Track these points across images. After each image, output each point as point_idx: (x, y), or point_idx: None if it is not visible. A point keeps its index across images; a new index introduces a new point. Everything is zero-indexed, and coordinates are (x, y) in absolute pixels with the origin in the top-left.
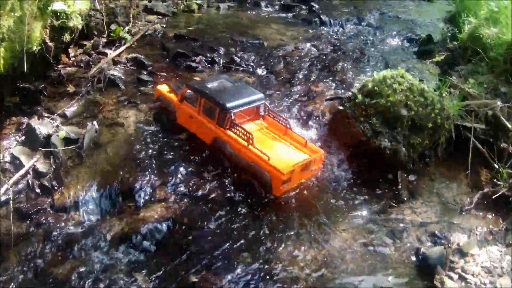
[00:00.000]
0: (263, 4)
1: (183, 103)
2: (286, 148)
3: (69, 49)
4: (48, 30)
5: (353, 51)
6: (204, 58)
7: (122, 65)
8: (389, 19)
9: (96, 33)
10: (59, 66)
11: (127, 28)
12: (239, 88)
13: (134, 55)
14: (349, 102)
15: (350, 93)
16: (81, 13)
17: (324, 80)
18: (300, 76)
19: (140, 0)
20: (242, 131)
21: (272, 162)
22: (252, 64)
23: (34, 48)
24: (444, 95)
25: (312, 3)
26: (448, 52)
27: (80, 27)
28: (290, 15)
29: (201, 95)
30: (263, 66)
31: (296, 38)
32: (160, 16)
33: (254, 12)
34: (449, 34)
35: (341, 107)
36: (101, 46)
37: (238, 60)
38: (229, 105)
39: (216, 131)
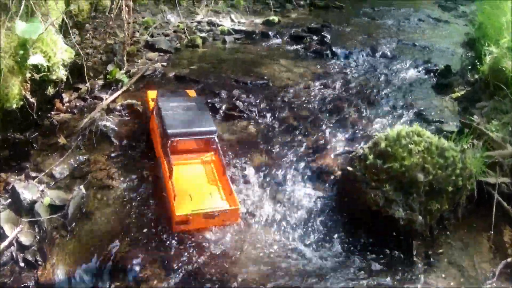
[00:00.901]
0: (271, 34)
1: (153, 114)
2: (207, 191)
3: (63, 94)
4: (29, 85)
5: (367, 88)
6: None
7: (117, 113)
8: (405, 47)
9: (92, 75)
10: (52, 112)
11: (124, 69)
12: (196, 115)
13: (130, 101)
14: (359, 163)
15: (360, 150)
16: (65, 63)
17: (335, 128)
18: (308, 123)
19: (141, 35)
20: (167, 161)
21: (177, 201)
22: (256, 110)
23: (14, 105)
24: (466, 147)
25: (324, 33)
26: (468, 86)
27: (65, 78)
28: (300, 47)
29: (158, 112)
30: (268, 112)
31: (305, 76)
32: (161, 53)
33: (262, 45)
34: (469, 66)
35: (350, 168)
36: (97, 89)
37: (241, 105)
38: (170, 131)
39: (159, 151)
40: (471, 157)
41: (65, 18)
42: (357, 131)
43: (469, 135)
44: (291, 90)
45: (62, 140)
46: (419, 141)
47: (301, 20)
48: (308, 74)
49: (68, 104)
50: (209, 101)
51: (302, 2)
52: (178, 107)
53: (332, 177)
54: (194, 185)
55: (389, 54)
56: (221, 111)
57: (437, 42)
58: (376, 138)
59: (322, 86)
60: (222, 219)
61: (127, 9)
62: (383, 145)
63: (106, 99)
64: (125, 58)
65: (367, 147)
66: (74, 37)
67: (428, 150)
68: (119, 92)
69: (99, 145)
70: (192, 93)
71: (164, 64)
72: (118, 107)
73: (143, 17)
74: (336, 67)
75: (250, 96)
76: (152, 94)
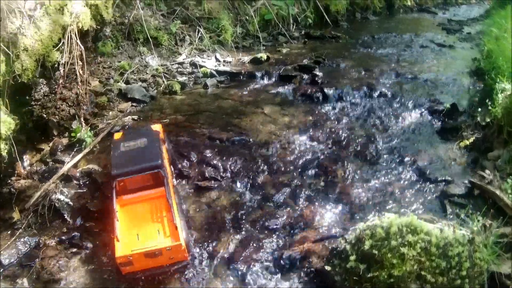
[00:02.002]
0: (258, 75)
1: None
2: (154, 230)
3: (24, 156)
4: None
5: (360, 140)
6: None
7: (75, 182)
8: (406, 82)
9: (56, 133)
10: (13, 178)
11: (84, 128)
12: (144, 152)
13: (90, 166)
14: (340, 263)
15: (342, 242)
16: (4, 136)
17: (319, 199)
18: (288, 192)
19: (116, 81)
20: (112, 203)
21: (122, 242)
22: (229, 175)
23: None
24: (475, 228)
25: (316, 71)
26: (478, 131)
27: (5, 152)
28: (288, 88)
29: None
30: (244, 178)
31: (291, 127)
32: (134, 104)
33: (247, 88)
34: (478, 103)
35: (328, 267)
36: (59, 150)
37: (212, 172)
38: (114, 172)
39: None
40: (481, 247)
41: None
42: (345, 203)
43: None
44: (273, 147)
45: (16, 215)
46: (415, 241)
47: (293, 55)
48: (294, 124)
49: (29, 167)
50: (177, 165)
51: (296, 34)
52: (128, 147)
53: (308, 270)
54: (142, 224)
55: (388, 92)
56: (190, 181)
57: (442, 73)
58: (359, 230)
59: (309, 140)
60: (169, 257)
61: (80, 64)
62: (367, 244)
63: (68, 162)
64: (84, 111)
65: (349, 243)
66: (41, 88)
67: (426, 251)
68: (79, 156)
69: (52, 223)
70: (157, 127)
71: (135, 117)
72: (77, 175)
73: (119, 61)
74: (327, 113)
75: (224, 157)
76: (116, 135)
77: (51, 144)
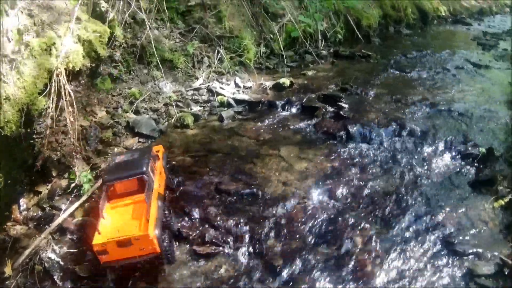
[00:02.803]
0: (279, 105)
1: None
2: (132, 225)
3: (21, 200)
4: None
5: (383, 195)
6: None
7: (68, 236)
8: (439, 115)
9: (54, 174)
10: (9, 223)
11: (83, 171)
12: (133, 163)
13: (86, 218)
14: None
15: None
16: None
17: (329, 278)
18: (295, 266)
19: (124, 111)
20: (100, 202)
21: (102, 235)
22: (232, 240)
23: None
24: None
25: (341, 102)
26: None
27: None
28: (310, 123)
29: None
30: (249, 243)
31: (307, 176)
32: (142, 139)
33: (266, 121)
34: None
35: None
36: (57, 195)
37: (213, 236)
38: (105, 178)
39: None
40: None
41: None
42: (360, 281)
43: None
44: (285, 204)
45: (8, 269)
46: None
47: (319, 79)
48: (312, 173)
49: (25, 212)
50: (178, 226)
51: (324, 52)
52: (121, 159)
53: None
54: (123, 222)
55: (418, 130)
56: (188, 245)
57: (477, 102)
58: None
59: (326, 195)
60: (139, 248)
61: (71, 110)
62: None
63: (64, 211)
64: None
65: None
66: (44, 120)
67: None
68: (75, 205)
69: (41, 283)
70: (158, 148)
71: None
72: (72, 227)
73: (130, 87)
74: (350, 157)
75: (230, 216)
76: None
77: (49, 186)
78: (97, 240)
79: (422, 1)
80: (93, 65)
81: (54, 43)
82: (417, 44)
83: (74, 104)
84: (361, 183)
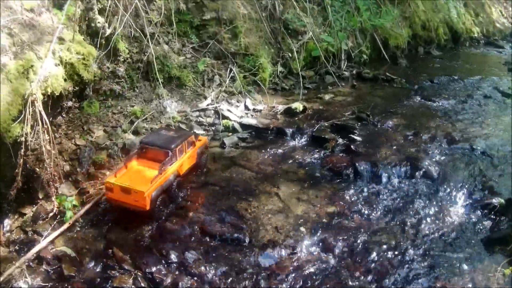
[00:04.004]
0: (288, 133)
1: None
2: (144, 181)
3: (5, 220)
4: None
5: (383, 254)
6: (140, 274)
7: (43, 267)
8: (458, 155)
9: (41, 196)
10: None
11: (70, 194)
12: (169, 139)
13: (64, 249)
14: None
15: None
16: None
17: None
18: None
19: (123, 131)
20: (130, 156)
21: (118, 178)
22: None
23: None
24: None
25: (354, 134)
26: None
27: None
28: (317, 157)
29: None
30: None
31: (304, 223)
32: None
33: (270, 152)
34: None
35: None
36: (41, 219)
37: (186, 286)
38: (142, 140)
39: None
40: None
41: None
42: None
43: None
44: (272, 254)
45: None
46: None
47: (335, 105)
48: (309, 219)
49: (8, 234)
50: (151, 267)
51: (346, 73)
52: (164, 133)
53: None
54: (137, 177)
55: (434, 172)
56: None
57: (502, 139)
58: None
59: (320, 247)
60: (134, 199)
61: (47, 138)
62: None
63: (44, 238)
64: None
65: None
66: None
67: None
68: (55, 234)
69: None
70: (202, 138)
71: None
72: (49, 257)
73: (132, 105)
74: (354, 201)
75: (210, 264)
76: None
77: (34, 209)
78: (110, 179)
79: (454, 21)
80: (77, 88)
81: (32, 66)
82: (446, 67)
83: (50, 132)
84: (361, 234)
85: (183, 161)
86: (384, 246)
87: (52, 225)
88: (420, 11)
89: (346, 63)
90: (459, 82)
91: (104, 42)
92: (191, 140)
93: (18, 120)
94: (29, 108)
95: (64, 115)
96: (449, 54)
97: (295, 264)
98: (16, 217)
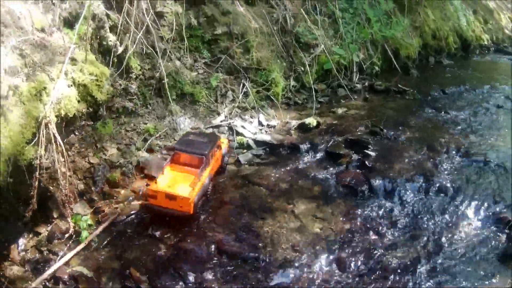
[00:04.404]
0: (302, 149)
1: None
2: (184, 185)
3: (20, 240)
4: None
5: (398, 272)
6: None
7: (61, 285)
8: (473, 167)
9: (55, 216)
10: (6, 263)
11: (85, 214)
12: (201, 144)
13: (79, 269)
14: None
15: None
16: None
17: None
18: None
19: (137, 149)
20: (166, 162)
21: (158, 184)
22: None
23: None
24: None
25: (368, 149)
26: None
27: None
28: (332, 173)
29: None
30: None
31: (319, 240)
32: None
33: (285, 168)
34: None
35: None
36: (56, 238)
37: None
38: (175, 146)
39: None
40: None
41: None
42: None
43: None
44: (289, 273)
45: None
46: None
47: (348, 119)
48: (324, 236)
49: (23, 253)
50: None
51: (358, 86)
52: (195, 138)
53: None
54: (175, 182)
55: (448, 185)
56: None
57: None
58: None
59: (335, 266)
60: (179, 205)
61: (62, 161)
62: None
63: (60, 258)
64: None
65: None
66: (49, 156)
67: None
68: (71, 254)
69: None
70: (224, 140)
71: (142, 202)
72: (66, 277)
73: (145, 122)
74: (369, 218)
75: (227, 284)
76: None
77: (49, 228)
78: (152, 187)
79: (464, 29)
80: (91, 109)
81: (45, 88)
82: (457, 77)
83: (65, 154)
84: (376, 251)
85: (213, 164)
86: (400, 263)
87: (68, 245)
88: (430, 20)
89: (358, 75)
90: (471, 92)
91: (116, 60)
92: (219, 143)
93: (32, 143)
94: (42, 130)
95: (77, 133)
96: (459, 63)
97: (311, 282)
98: (31, 236)
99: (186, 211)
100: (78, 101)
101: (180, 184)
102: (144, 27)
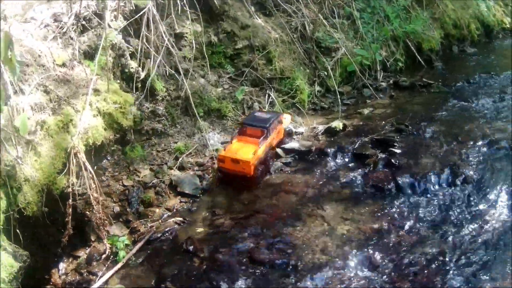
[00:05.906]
0: (330, 153)
1: None
2: (248, 152)
3: (60, 264)
4: None
5: (425, 267)
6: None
7: None
8: (498, 157)
9: (93, 239)
10: (48, 286)
11: (122, 235)
12: (264, 119)
13: (118, 287)
14: None
15: None
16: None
17: None
18: None
19: (169, 168)
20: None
21: (227, 151)
22: None
23: None
24: None
25: (394, 147)
26: None
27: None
28: (360, 174)
29: None
30: None
31: (348, 241)
32: (184, 199)
33: (314, 174)
34: None
35: None
36: (95, 260)
37: None
38: (243, 121)
39: None
40: None
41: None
42: None
43: None
44: (320, 276)
45: None
46: None
47: (375, 118)
48: (353, 237)
49: (64, 277)
50: None
51: (383, 84)
52: (259, 114)
53: None
54: (241, 150)
55: (474, 176)
56: None
57: None
58: None
59: (365, 265)
60: (242, 167)
61: (94, 187)
62: None
63: (99, 278)
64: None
65: None
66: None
67: None
68: (110, 274)
69: None
70: (286, 115)
71: (179, 220)
72: None
73: (175, 142)
74: (396, 215)
75: None
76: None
77: (87, 251)
78: (221, 153)
79: (485, 15)
80: (118, 136)
81: (71, 120)
82: (481, 64)
83: (96, 180)
84: (405, 248)
85: (274, 136)
86: (429, 258)
87: (106, 265)
88: (449, 10)
89: (382, 73)
90: (495, 78)
91: (140, 85)
92: (280, 118)
93: (64, 173)
94: (72, 159)
95: (109, 158)
96: (483, 49)
97: (342, 284)
98: (70, 260)
99: (247, 172)
100: (105, 129)
101: (243, 150)
102: (164, 50)
